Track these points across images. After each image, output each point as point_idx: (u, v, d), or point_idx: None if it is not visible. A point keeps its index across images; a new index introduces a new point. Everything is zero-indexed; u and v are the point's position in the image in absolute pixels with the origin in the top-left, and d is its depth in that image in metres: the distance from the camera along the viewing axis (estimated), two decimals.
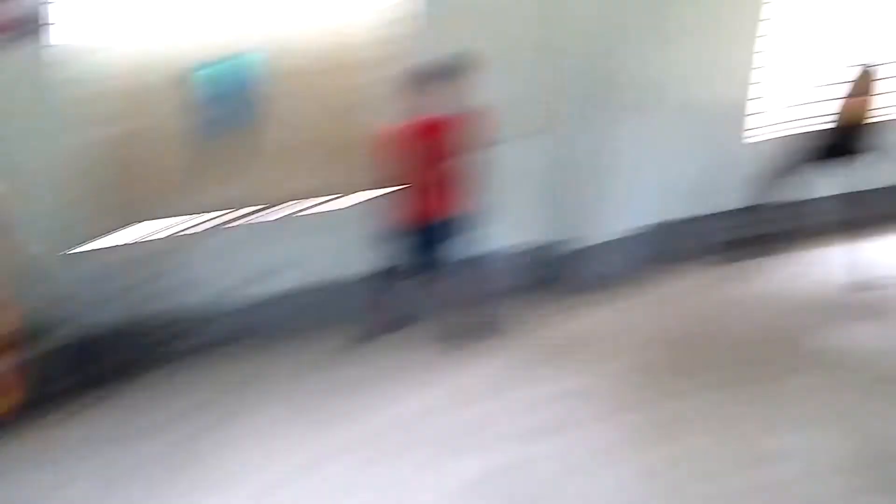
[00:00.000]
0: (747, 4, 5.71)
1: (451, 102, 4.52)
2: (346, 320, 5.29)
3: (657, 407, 4.36)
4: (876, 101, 5.41)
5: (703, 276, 5.94)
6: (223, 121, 4.78)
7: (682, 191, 6.00)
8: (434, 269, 4.89)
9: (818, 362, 4.72)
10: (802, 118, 5.78)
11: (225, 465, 4.10)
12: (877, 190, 5.65)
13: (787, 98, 5.94)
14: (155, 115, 4.64)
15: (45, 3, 4.22)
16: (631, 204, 5.74)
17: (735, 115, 6.02)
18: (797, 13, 5.93)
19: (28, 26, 4.20)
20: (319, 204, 5.23)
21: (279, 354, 5.21)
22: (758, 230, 5.93)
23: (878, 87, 5.43)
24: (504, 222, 5.27)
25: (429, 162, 4.62)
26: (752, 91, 5.97)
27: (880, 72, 5.46)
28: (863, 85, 5.41)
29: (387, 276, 4.98)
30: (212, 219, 5.05)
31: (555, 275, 5.74)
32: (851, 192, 5.54)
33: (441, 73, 4.48)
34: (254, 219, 5.11)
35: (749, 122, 6.06)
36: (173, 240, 4.92)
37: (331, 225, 5.22)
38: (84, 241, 4.72)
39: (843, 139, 5.48)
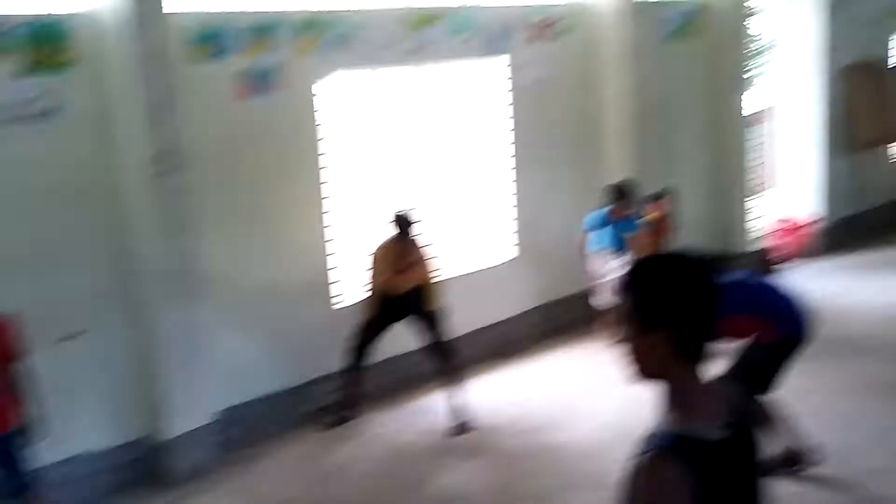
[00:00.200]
0: (309, 190, 6.17)
1: None
2: None
3: None
4: (424, 269, 5.89)
5: (309, 443, 5.94)
6: None
7: (278, 364, 6.06)
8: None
9: None
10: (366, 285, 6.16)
11: None
12: (450, 341, 6.16)
13: (356, 264, 6.32)
14: None
15: None
16: (221, 385, 5.68)
17: (319, 285, 6.30)
18: (354, 187, 6.49)
19: None
20: None
21: None
22: (355, 390, 6.07)
23: (423, 255, 5.94)
24: (84, 425, 5.05)
25: None
26: (330, 261, 6.32)
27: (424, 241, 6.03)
28: (409, 256, 5.85)
29: None
30: None
31: (148, 470, 5.39)
32: (433, 345, 5.95)
33: None
34: None
35: (333, 289, 6.36)
36: None
37: None
38: None
39: (398, 303, 5.85)
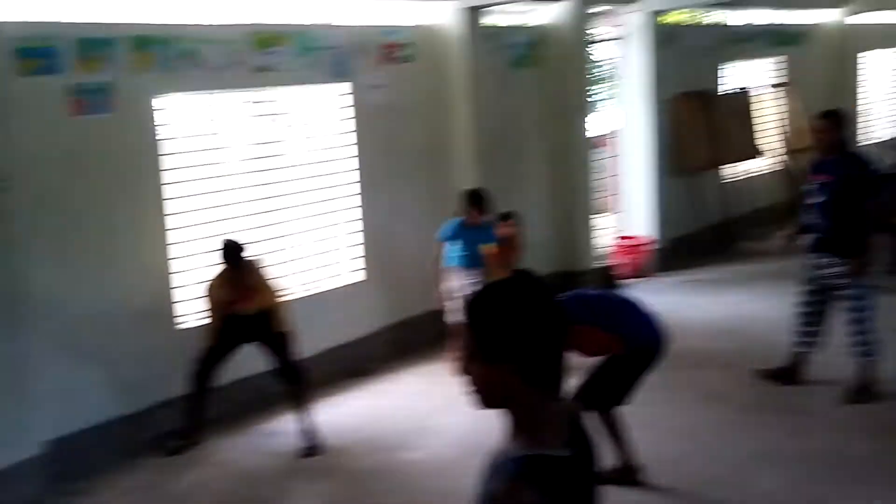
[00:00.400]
0: (150, 210, 5.99)
1: None
2: None
3: None
4: (267, 293, 5.79)
5: (151, 471, 5.72)
6: None
7: (115, 389, 5.83)
8: None
9: None
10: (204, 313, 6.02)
11: None
12: (298, 363, 6.08)
13: (201, 284, 6.14)
14: None
15: None
16: (51, 414, 5.40)
17: (161, 306, 6.11)
18: (199, 207, 6.34)
19: None
20: None
21: None
22: (200, 414, 5.90)
23: (263, 279, 5.85)
24: None
25: None
26: (174, 281, 6.15)
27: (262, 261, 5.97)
28: (246, 281, 5.74)
29: None
30: None
31: None
32: (281, 367, 5.86)
33: None
34: None
35: (177, 310, 6.18)
36: None
37: None
38: None
39: (242, 327, 5.75)
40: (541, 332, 1.74)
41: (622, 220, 10.45)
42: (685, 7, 11.39)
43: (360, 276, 7.40)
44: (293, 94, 6.99)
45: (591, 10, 9.26)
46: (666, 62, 10.14)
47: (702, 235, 10.98)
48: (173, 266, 6.14)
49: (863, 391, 5.94)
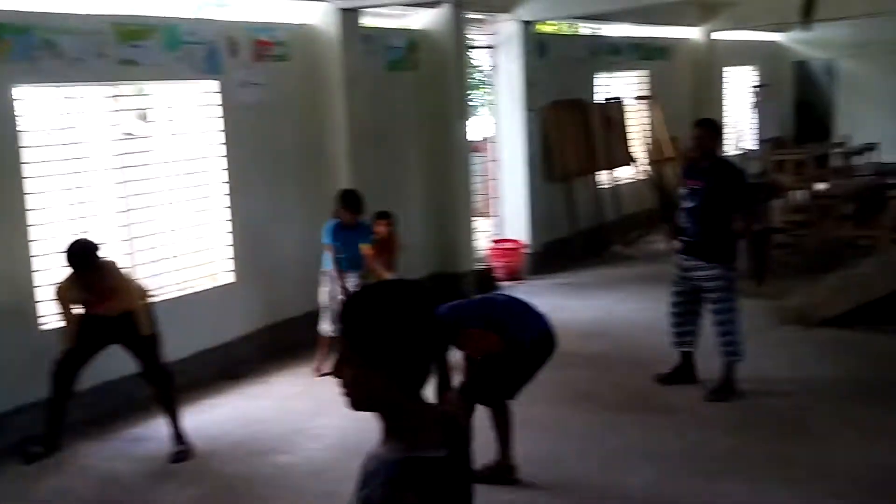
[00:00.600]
0: (8, 205, 5.68)
1: None
2: None
3: None
4: (127, 295, 5.49)
5: (9, 478, 5.39)
6: None
7: None
8: None
9: None
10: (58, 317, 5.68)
11: None
12: (165, 366, 5.88)
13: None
14: None
15: None
16: None
17: (21, 305, 5.81)
18: (65, 203, 6.08)
19: None
20: None
21: None
22: (61, 418, 5.61)
23: (121, 281, 5.55)
24: None
25: None
26: (37, 279, 5.86)
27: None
28: (101, 284, 5.43)
29: None
30: None
31: None
32: (147, 370, 5.65)
33: None
34: None
35: (40, 309, 5.88)
36: None
37: None
38: None
39: (103, 330, 5.49)
40: (417, 338, 1.75)
41: (498, 223, 10.61)
42: (555, 19, 11.71)
43: (231, 277, 7.22)
44: (160, 90, 6.76)
45: (467, 16, 9.37)
46: (540, 71, 10.37)
47: (575, 240, 11.27)
48: (35, 264, 5.83)
49: (726, 389, 6.20)
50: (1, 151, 5.61)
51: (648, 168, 12.93)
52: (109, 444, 5.86)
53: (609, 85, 12.61)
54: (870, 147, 14.97)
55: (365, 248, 6.83)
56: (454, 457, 1.78)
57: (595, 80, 12.10)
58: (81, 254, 5.26)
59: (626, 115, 12.68)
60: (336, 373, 1.79)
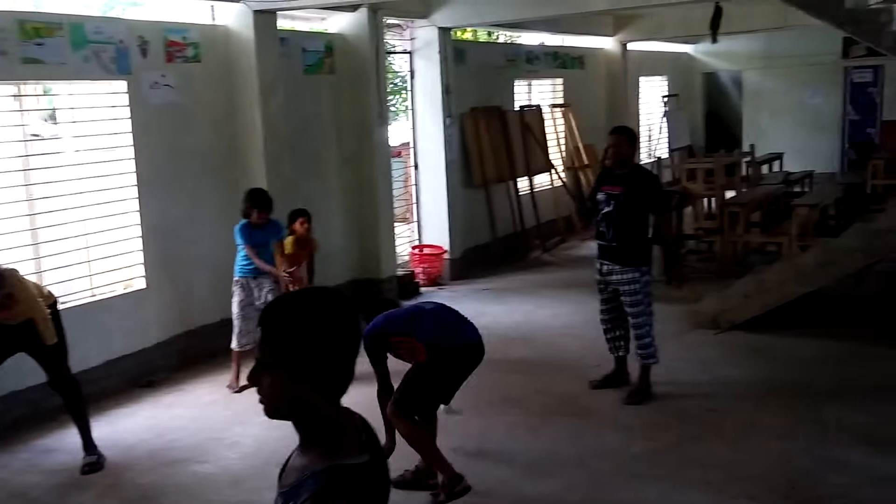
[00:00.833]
0: None
1: None
2: None
3: None
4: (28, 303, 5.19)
5: None
6: None
7: None
8: None
9: None
10: None
11: None
12: (72, 375, 5.67)
13: None
14: None
15: None
16: None
17: None
18: None
19: None
20: None
21: None
22: None
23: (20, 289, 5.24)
24: None
25: None
26: None
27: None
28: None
29: None
30: None
31: None
32: (55, 379, 5.43)
33: None
34: None
35: None
36: None
37: None
38: None
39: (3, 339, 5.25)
40: (340, 347, 1.74)
41: (418, 229, 10.60)
42: (472, 25, 11.80)
43: (142, 283, 7.02)
44: (67, 90, 6.53)
45: (385, 21, 9.35)
46: (458, 77, 10.41)
47: (495, 245, 11.34)
48: None
49: (642, 392, 6.31)
50: None
51: (565, 175, 13.12)
52: (17, 456, 5.63)
53: (527, 92, 12.77)
54: (776, 156, 15.53)
55: (278, 244, 6.75)
56: (374, 461, 1.77)
57: (513, 87, 12.22)
58: None
59: (544, 123, 12.84)
60: (253, 381, 1.75)
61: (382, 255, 9.31)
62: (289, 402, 1.72)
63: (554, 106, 13.35)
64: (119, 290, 6.91)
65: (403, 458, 4.88)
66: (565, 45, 13.76)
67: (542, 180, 12.72)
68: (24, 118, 6.26)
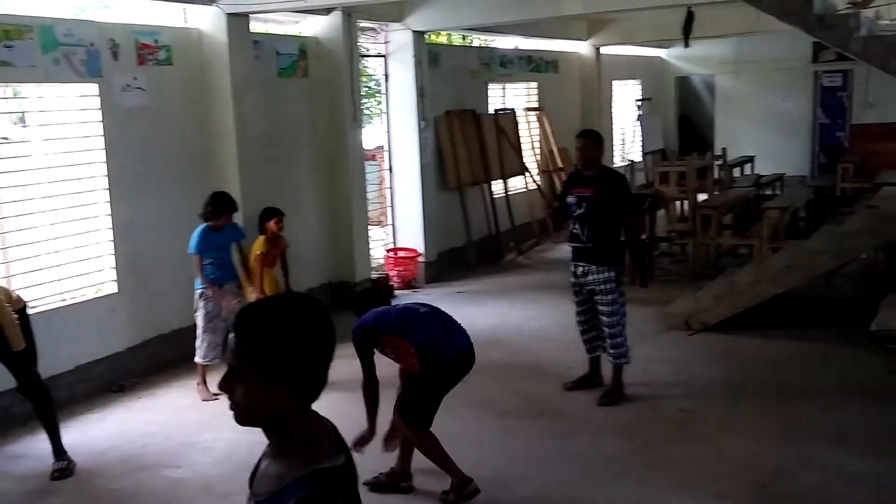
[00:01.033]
0: None
1: None
2: None
3: None
4: None
5: None
6: None
7: None
8: None
9: None
10: None
11: None
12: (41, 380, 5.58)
13: None
14: None
15: None
16: None
17: None
18: None
19: None
20: None
21: None
22: None
23: None
24: None
25: None
26: None
27: None
28: None
29: None
30: None
31: None
32: (23, 385, 5.36)
33: None
34: None
35: None
36: None
37: None
38: None
39: None
40: (317, 353, 1.73)
41: (393, 232, 10.59)
42: (445, 29, 11.82)
43: (113, 288, 6.95)
44: (37, 93, 6.46)
45: (359, 25, 9.35)
46: (432, 81, 10.42)
47: (470, 248, 11.36)
48: None
49: (616, 393, 6.35)
50: None
51: (539, 178, 13.17)
52: None
53: (501, 96, 12.80)
54: (747, 160, 15.68)
55: (239, 250, 6.73)
56: (348, 462, 1.77)
57: (487, 91, 12.25)
58: None
59: (519, 126, 12.88)
60: (226, 389, 1.73)
61: (357, 258, 9.30)
62: (265, 409, 1.70)
63: (528, 109, 13.39)
64: (90, 294, 6.85)
65: (376, 462, 4.88)
66: (539, 49, 13.82)
67: (516, 183, 12.75)
68: None
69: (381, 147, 10.75)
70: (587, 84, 15.04)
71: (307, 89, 8.93)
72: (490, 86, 12.34)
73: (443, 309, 5.04)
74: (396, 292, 9.65)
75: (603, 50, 15.06)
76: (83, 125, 6.68)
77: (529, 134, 13.31)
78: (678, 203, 12.31)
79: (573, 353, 6.82)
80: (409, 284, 10.02)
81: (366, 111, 11.70)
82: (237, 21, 7.64)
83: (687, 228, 10.89)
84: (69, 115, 6.64)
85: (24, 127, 6.59)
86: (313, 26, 9.00)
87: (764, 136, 17.30)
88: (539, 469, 5.27)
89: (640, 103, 17.42)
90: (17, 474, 5.40)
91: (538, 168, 13.31)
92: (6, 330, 5.13)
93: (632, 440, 5.67)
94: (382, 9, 9.57)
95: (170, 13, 7.61)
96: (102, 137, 6.75)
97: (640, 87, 17.91)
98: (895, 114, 15.73)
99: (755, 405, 6.18)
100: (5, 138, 6.46)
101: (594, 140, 6.32)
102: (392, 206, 10.57)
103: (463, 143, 11.30)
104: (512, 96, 13.15)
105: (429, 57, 10.42)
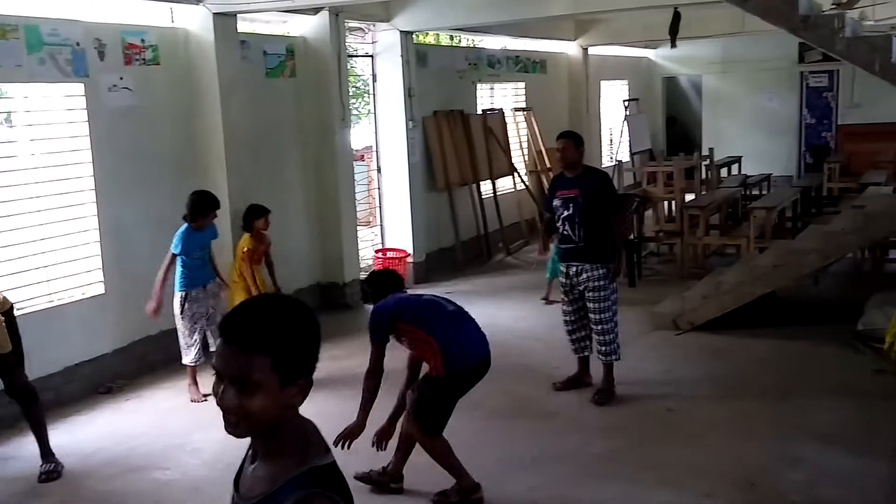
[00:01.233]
0: None
1: None
2: None
3: None
4: None
5: None
6: None
7: None
8: None
9: None
10: None
11: None
12: (28, 382, 5.54)
13: None
14: None
15: None
16: None
17: None
18: None
19: None
20: None
21: None
22: None
23: None
24: None
25: None
26: None
27: None
28: None
29: None
30: None
31: None
32: (10, 387, 5.31)
33: None
34: None
35: None
36: None
37: None
38: None
39: None
40: (318, 345, 1.72)
41: (381, 233, 10.59)
42: (433, 29, 11.82)
43: (100, 289, 6.92)
44: (23, 92, 6.42)
45: (346, 25, 9.34)
46: (420, 81, 10.43)
47: (458, 249, 11.36)
48: None
49: (608, 392, 6.36)
50: None
51: (527, 178, 13.19)
52: None
53: (489, 96, 12.81)
54: (734, 160, 15.75)
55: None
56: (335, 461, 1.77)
57: (475, 91, 12.27)
58: None
59: (507, 126, 12.90)
60: (230, 402, 1.65)
61: (345, 258, 9.29)
62: (278, 412, 1.66)
63: (516, 109, 13.41)
64: (77, 295, 6.81)
65: (369, 460, 4.88)
66: (527, 49, 13.84)
67: (504, 184, 12.77)
68: None
69: (370, 147, 10.74)
70: (575, 84, 15.08)
71: (295, 89, 8.92)
72: (478, 86, 12.35)
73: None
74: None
75: (590, 50, 15.11)
76: (70, 125, 6.65)
77: (517, 134, 13.32)
78: (666, 203, 12.35)
79: (562, 354, 6.83)
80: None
81: (354, 111, 11.70)
82: (224, 21, 7.62)
83: (674, 228, 10.93)
84: (55, 115, 6.61)
85: (10, 127, 6.55)
86: (301, 26, 8.99)
87: (751, 137, 17.39)
88: (527, 469, 5.28)
89: (627, 103, 17.44)
90: (5, 476, 5.38)
91: (526, 168, 13.33)
92: None
93: (619, 439, 5.68)
94: (370, 9, 9.57)
95: (156, 13, 7.58)
96: (89, 138, 6.72)
97: (627, 87, 17.96)
98: (881, 114, 15.83)
99: (742, 404, 6.20)
100: None
101: (573, 141, 6.33)
102: (380, 207, 10.57)
103: (451, 143, 11.31)
104: (500, 96, 13.16)
105: (417, 57, 10.43)
